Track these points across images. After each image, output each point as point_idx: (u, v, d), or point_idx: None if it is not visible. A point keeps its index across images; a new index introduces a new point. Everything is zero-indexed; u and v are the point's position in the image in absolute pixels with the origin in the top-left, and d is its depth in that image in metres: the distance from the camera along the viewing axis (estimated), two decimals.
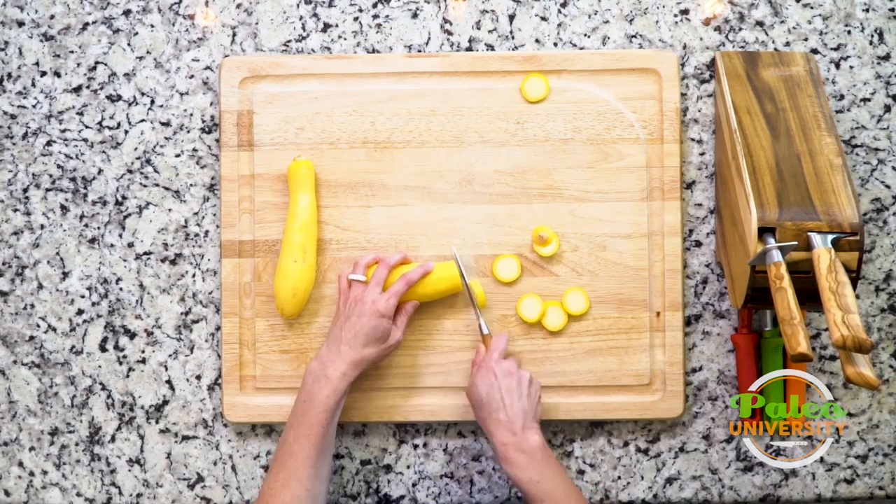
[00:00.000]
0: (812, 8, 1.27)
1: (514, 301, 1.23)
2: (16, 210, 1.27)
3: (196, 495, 1.26)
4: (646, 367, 1.23)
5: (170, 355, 1.26)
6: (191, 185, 1.27)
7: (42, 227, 1.27)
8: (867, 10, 1.27)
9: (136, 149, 1.27)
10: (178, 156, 1.27)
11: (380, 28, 1.28)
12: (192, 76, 1.27)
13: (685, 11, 1.27)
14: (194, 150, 1.27)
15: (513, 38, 1.27)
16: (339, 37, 1.28)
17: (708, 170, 1.26)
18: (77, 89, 1.28)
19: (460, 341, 1.23)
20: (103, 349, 1.26)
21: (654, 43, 1.27)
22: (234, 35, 1.28)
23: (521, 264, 1.23)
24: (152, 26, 1.28)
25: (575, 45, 1.27)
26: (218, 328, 1.26)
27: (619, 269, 1.23)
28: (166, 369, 1.26)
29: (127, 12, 1.28)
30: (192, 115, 1.27)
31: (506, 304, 1.23)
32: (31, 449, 1.26)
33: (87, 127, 1.27)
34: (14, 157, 1.28)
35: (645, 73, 1.24)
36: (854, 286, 1.01)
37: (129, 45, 1.28)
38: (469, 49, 1.27)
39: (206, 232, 1.26)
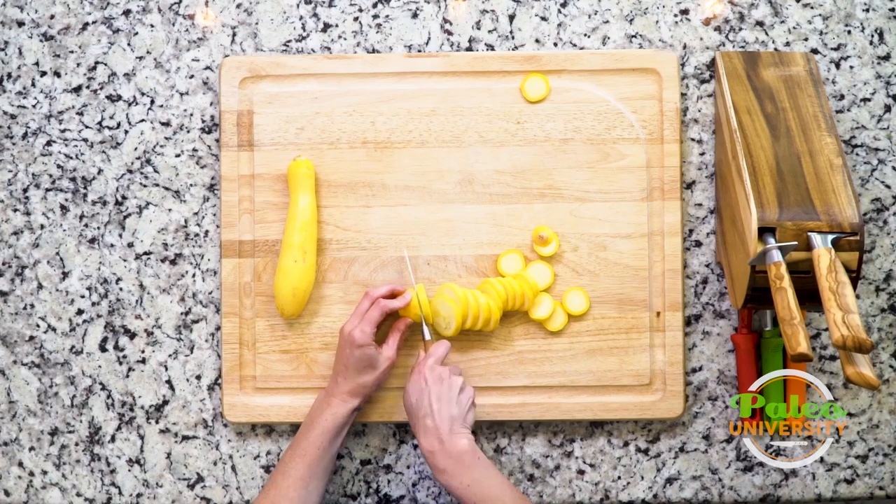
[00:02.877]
0: (812, 8, 1.27)
1: None
2: (16, 210, 1.27)
3: (196, 495, 1.26)
4: (646, 367, 1.23)
5: (170, 355, 1.26)
6: (191, 185, 1.27)
7: (42, 227, 1.27)
8: (867, 10, 1.27)
9: (136, 149, 1.27)
10: (178, 156, 1.27)
11: (380, 28, 1.27)
12: (192, 76, 1.27)
13: (685, 11, 1.27)
14: (194, 150, 1.27)
15: (513, 38, 1.27)
16: (339, 37, 1.28)
17: (708, 170, 1.26)
18: (77, 89, 1.28)
19: (459, 341, 1.23)
20: (103, 349, 1.26)
21: (654, 43, 1.27)
22: (234, 35, 1.28)
23: (525, 260, 1.23)
24: (152, 26, 1.28)
25: (575, 45, 1.27)
26: (218, 328, 1.26)
27: (619, 269, 1.23)
28: (166, 369, 1.26)
29: (127, 12, 1.28)
30: (192, 115, 1.27)
31: None
32: (31, 449, 1.26)
33: (87, 127, 1.27)
34: (14, 157, 1.27)
35: (645, 73, 1.24)
36: (854, 286, 1.01)
37: (129, 45, 1.28)
38: (469, 49, 1.27)
39: (206, 232, 1.26)
